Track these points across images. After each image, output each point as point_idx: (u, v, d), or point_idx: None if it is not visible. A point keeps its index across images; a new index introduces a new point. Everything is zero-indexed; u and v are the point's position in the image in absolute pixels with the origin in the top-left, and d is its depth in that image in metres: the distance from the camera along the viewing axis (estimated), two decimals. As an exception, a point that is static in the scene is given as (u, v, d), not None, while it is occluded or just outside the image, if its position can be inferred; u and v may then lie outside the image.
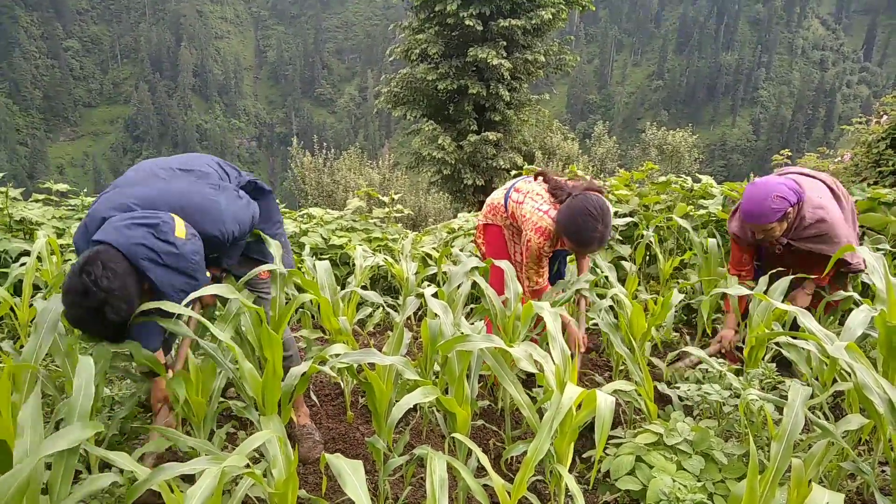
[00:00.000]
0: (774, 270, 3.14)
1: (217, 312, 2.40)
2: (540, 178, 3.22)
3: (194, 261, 2.05)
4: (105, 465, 2.27)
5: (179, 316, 2.12)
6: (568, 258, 3.61)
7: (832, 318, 3.48)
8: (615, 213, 4.92)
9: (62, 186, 5.49)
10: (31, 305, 3.27)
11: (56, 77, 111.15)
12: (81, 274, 1.88)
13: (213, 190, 2.26)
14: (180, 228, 2.04)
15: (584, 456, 2.64)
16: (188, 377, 2.17)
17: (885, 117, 5.93)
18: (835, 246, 2.98)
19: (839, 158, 6.42)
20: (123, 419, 2.49)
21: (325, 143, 19.82)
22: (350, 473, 1.55)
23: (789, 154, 7.07)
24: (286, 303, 2.38)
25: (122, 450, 2.13)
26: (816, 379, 2.51)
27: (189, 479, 1.88)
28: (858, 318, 2.25)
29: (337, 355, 2.11)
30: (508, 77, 16.64)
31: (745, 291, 2.71)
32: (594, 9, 18.07)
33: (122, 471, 1.86)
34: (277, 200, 2.91)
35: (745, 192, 3.07)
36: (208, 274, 2.40)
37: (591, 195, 2.90)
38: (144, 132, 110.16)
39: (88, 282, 1.87)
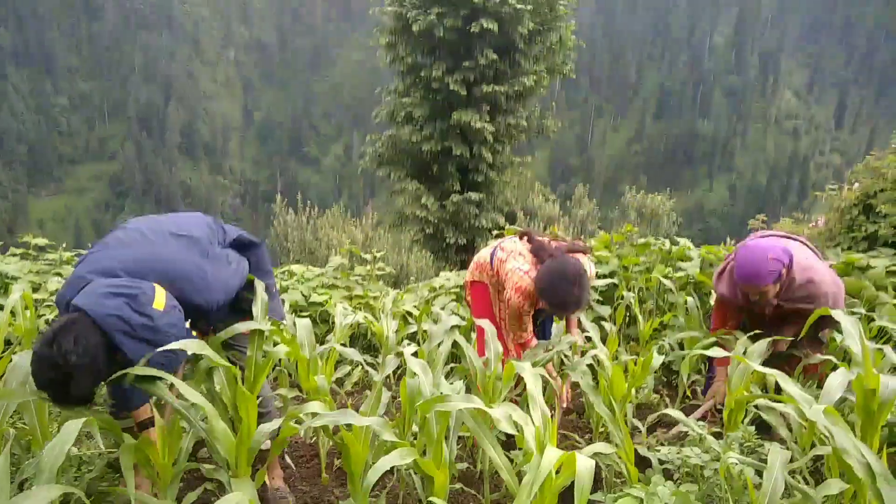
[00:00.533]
0: (755, 332, 3.16)
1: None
2: (524, 237, 3.26)
3: (171, 334, 2.00)
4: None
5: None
6: (555, 316, 3.61)
7: (811, 382, 3.49)
8: (595, 275, 4.96)
9: (41, 241, 5.45)
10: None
11: (42, 133, 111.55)
12: (52, 344, 1.85)
13: (202, 258, 2.24)
14: (160, 300, 2.00)
15: (565, 521, 2.58)
16: (150, 442, 2.10)
17: (856, 184, 6.09)
18: (822, 300, 3.03)
19: (813, 223, 6.56)
20: (92, 480, 2.41)
21: (308, 201, 19.91)
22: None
23: (765, 219, 7.20)
24: (263, 358, 2.35)
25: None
26: (796, 442, 2.50)
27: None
28: (836, 382, 2.27)
29: (313, 415, 2.07)
30: (491, 140, 16.94)
31: (724, 354, 2.72)
32: (574, 76, 18.59)
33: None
34: None
35: (739, 256, 3.07)
36: (194, 334, 2.36)
37: (569, 259, 2.92)
38: (129, 188, 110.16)
39: (57, 355, 1.83)
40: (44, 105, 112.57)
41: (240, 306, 2.55)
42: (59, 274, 5.16)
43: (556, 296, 2.87)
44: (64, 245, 5.77)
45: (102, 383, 2.02)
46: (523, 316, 3.11)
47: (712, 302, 4.36)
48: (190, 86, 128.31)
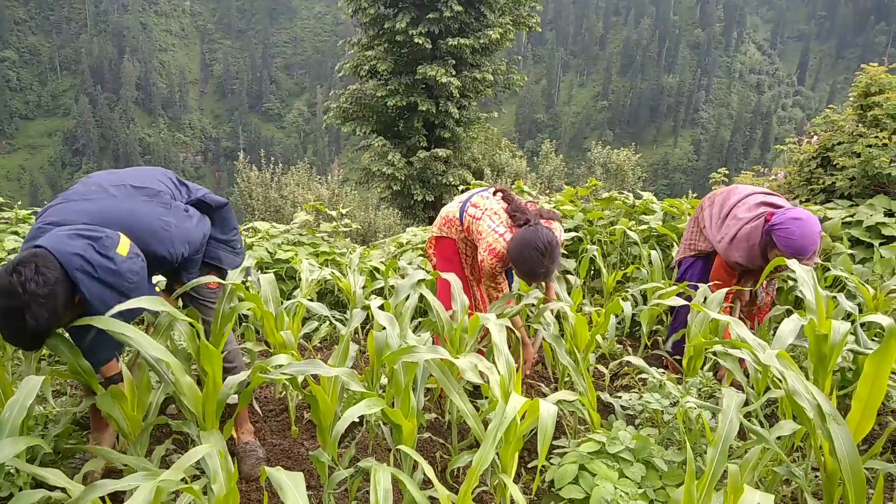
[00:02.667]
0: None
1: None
2: (499, 195, 3.21)
3: (131, 280, 1.98)
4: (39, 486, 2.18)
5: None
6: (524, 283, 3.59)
7: (766, 329, 3.61)
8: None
9: (-5, 199, 5.29)
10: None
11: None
12: (12, 273, 1.81)
13: (164, 210, 2.20)
14: (124, 246, 1.98)
15: (529, 466, 2.66)
16: (121, 393, 2.10)
17: (815, 137, 6.20)
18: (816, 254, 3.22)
19: (773, 177, 6.68)
20: (57, 437, 2.40)
21: (272, 158, 19.59)
22: (291, 486, 1.52)
23: (727, 173, 7.32)
24: (229, 309, 2.35)
25: (56, 468, 2.05)
26: (751, 387, 2.59)
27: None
28: (789, 328, 2.34)
29: (280, 366, 2.08)
30: (458, 95, 16.80)
31: (682, 302, 2.79)
32: (540, 30, 18.45)
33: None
34: None
35: (796, 231, 3.06)
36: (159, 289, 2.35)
37: (542, 229, 2.88)
38: (84, 145, 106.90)
39: (16, 282, 1.79)
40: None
41: (207, 261, 2.54)
42: (15, 232, 5.03)
43: (526, 265, 2.87)
44: (19, 203, 5.60)
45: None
46: (497, 275, 3.13)
47: (674, 254, 4.45)
48: (144, 37, 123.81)
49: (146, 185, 2.25)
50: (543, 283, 3.28)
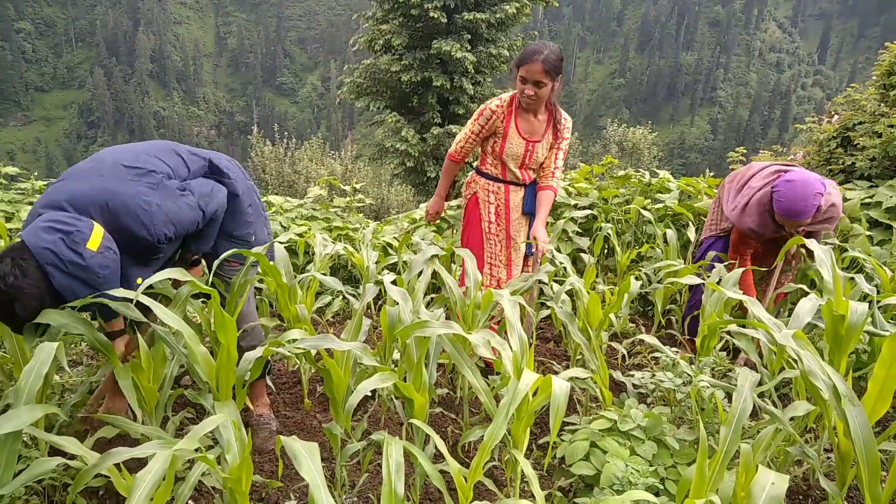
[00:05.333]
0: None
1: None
2: None
3: (100, 275, 2.03)
4: (56, 453, 2.21)
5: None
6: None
7: (782, 309, 3.58)
8: (574, 206, 4.97)
9: (12, 170, 5.31)
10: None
11: (7, 60, 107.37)
12: None
13: (149, 189, 2.18)
14: (95, 240, 2.02)
15: (540, 442, 2.67)
16: (138, 364, 2.12)
17: (836, 117, 6.10)
18: (836, 220, 3.23)
19: (792, 157, 6.59)
20: (74, 406, 2.43)
21: (286, 133, 19.56)
22: (306, 456, 1.53)
23: (744, 152, 7.22)
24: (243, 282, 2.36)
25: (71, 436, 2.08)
26: (766, 367, 2.58)
27: (141, 467, 1.84)
28: (806, 307, 2.32)
29: (294, 340, 2.09)
30: (472, 70, 16.63)
31: (696, 281, 2.78)
32: (557, 5, 18.15)
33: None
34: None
35: (784, 193, 3.05)
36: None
37: None
38: (99, 118, 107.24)
39: None
40: (6, 30, 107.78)
41: (232, 236, 2.56)
42: (31, 203, 5.07)
43: None
44: (35, 174, 5.64)
45: None
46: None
47: (690, 235, 4.42)
48: (158, 9, 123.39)
49: (138, 165, 2.23)
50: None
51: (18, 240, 1.99)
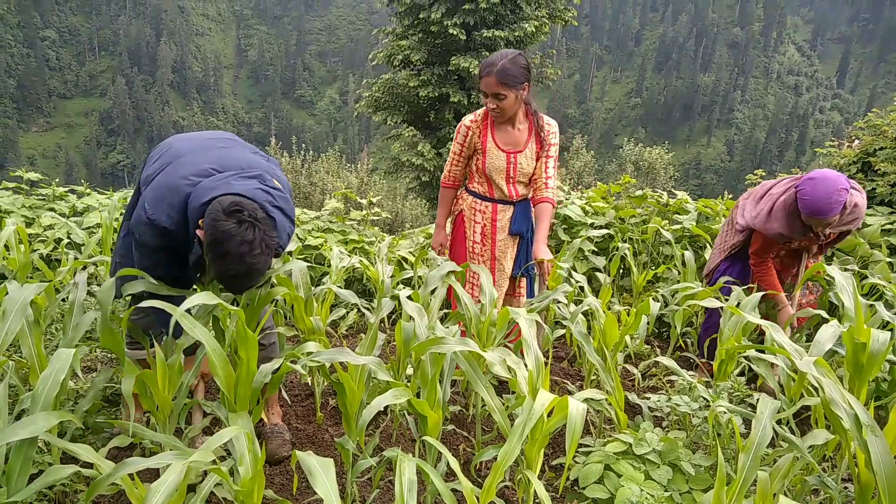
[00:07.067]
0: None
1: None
2: None
3: (291, 202, 2.16)
4: (70, 460, 2.22)
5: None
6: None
7: (799, 334, 3.54)
8: (591, 225, 4.96)
9: (34, 175, 5.38)
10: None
11: (31, 67, 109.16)
12: (231, 215, 1.90)
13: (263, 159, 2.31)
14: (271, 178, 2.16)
15: (554, 463, 2.64)
16: (152, 374, 2.12)
17: (856, 142, 6.05)
18: (860, 221, 3.20)
19: (811, 180, 6.53)
20: (87, 412, 2.44)
21: (303, 145, 19.72)
22: (320, 471, 1.52)
23: (762, 174, 7.17)
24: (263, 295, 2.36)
25: (85, 443, 2.08)
26: (783, 394, 2.54)
27: (153, 477, 1.84)
28: (827, 334, 2.29)
29: (309, 353, 2.09)
30: (490, 87, 16.71)
31: (716, 304, 2.75)
32: (576, 24, 18.25)
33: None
34: None
35: (809, 191, 3.03)
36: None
37: None
38: (120, 126, 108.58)
39: (245, 217, 1.90)
40: (32, 38, 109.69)
41: None
42: (52, 209, 5.12)
43: None
44: (56, 180, 5.71)
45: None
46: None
47: (706, 256, 4.38)
48: (181, 20, 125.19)
49: (232, 138, 2.43)
50: None
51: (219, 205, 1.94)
